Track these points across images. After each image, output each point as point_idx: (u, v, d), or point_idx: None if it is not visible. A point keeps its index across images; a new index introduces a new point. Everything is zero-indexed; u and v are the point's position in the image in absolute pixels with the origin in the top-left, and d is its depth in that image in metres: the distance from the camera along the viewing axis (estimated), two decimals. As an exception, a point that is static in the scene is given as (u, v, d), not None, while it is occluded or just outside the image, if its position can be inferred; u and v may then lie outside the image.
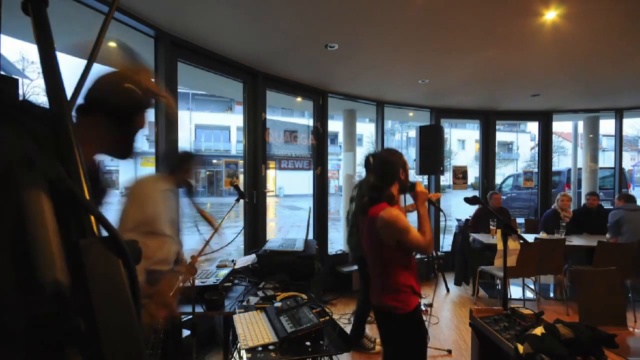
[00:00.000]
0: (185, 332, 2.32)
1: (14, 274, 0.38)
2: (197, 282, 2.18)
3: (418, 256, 4.79)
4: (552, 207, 5.20)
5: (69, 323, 0.38)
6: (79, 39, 3.08)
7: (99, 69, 0.96)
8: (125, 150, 1.02)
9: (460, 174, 6.30)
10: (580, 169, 8.25)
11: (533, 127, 26.57)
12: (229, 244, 2.03)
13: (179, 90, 3.31)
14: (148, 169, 3.16)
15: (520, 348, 1.60)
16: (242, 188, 4.28)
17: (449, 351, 3.27)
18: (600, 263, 3.92)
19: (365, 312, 3.29)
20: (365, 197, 2.00)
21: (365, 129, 21.66)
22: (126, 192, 1.96)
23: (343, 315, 4.03)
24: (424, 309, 4.17)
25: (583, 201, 7.54)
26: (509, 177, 14.21)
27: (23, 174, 0.40)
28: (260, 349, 1.51)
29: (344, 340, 1.60)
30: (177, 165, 2.12)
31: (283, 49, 3.62)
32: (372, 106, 5.80)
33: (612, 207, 6.54)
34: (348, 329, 3.61)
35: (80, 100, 0.81)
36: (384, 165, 1.98)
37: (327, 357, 1.69)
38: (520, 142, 32.52)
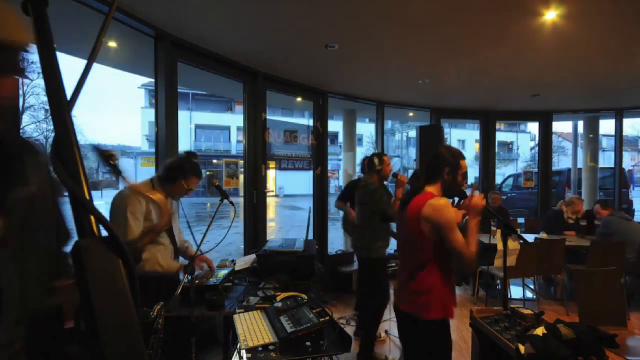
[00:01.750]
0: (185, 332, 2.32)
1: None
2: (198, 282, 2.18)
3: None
4: (555, 207, 5.19)
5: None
6: (79, 39, 3.08)
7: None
8: None
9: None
10: (580, 169, 8.25)
11: (533, 127, 26.60)
12: (217, 244, 2.01)
13: (179, 90, 3.31)
14: (148, 169, 3.14)
15: (522, 348, 1.60)
16: (242, 188, 4.30)
17: (449, 351, 3.27)
18: (593, 262, 3.93)
19: (375, 324, 3.10)
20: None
21: (365, 129, 21.70)
22: (115, 205, 1.98)
23: (343, 316, 4.03)
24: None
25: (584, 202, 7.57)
26: (509, 177, 14.20)
27: None
28: (260, 349, 1.51)
29: (344, 340, 1.60)
30: (174, 178, 2.11)
31: (283, 49, 3.62)
32: (372, 106, 5.80)
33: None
34: (348, 329, 3.61)
35: None
36: (431, 159, 1.84)
37: (327, 357, 1.69)
38: (520, 142, 32.50)
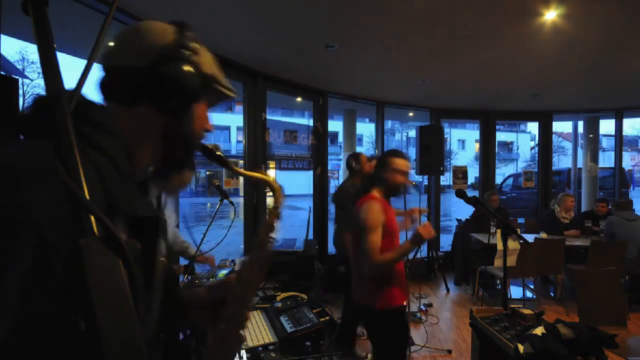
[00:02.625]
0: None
1: None
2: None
3: (411, 256, 4.78)
4: (551, 207, 5.19)
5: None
6: (79, 39, 3.08)
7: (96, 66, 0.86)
8: (179, 159, 0.69)
9: (460, 174, 6.30)
10: (580, 169, 8.25)
11: (533, 127, 26.60)
12: (217, 244, 2.02)
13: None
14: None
15: (521, 348, 1.59)
16: (242, 188, 4.30)
17: (449, 351, 3.27)
18: (594, 262, 3.93)
19: (349, 316, 3.12)
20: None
21: (365, 129, 21.70)
22: None
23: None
24: (423, 308, 4.18)
25: (583, 201, 7.57)
26: (509, 177, 14.21)
27: None
28: (260, 349, 1.51)
29: (344, 342, 1.61)
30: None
31: (283, 49, 3.62)
32: (372, 106, 5.81)
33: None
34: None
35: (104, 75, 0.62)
36: (377, 163, 2.02)
37: (327, 357, 1.69)
38: (520, 142, 32.53)
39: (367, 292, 1.91)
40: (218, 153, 0.78)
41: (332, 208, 4.81)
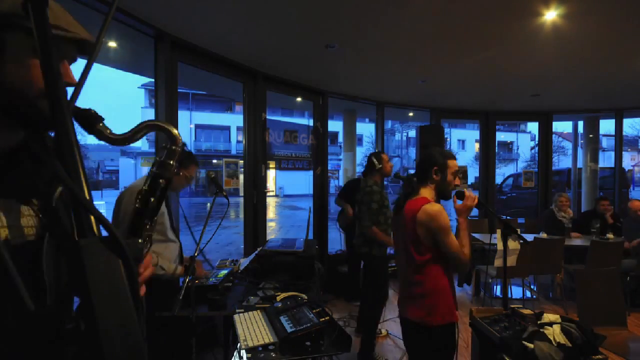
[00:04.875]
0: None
1: None
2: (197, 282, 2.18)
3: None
4: (551, 208, 5.18)
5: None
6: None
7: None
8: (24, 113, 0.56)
9: (460, 174, 6.29)
10: (580, 169, 8.25)
11: (533, 127, 26.58)
12: (207, 242, 2.00)
13: (179, 90, 3.31)
14: (148, 169, 3.14)
15: (521, 348, 1.60)
16: (242, 188, 4.30)
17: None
18: (593, 262, 3.93)
19: (374, 322, 3.12)
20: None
21: (365, 129, 21.73)
22: (122, 198, 1.99)
23: (343, 316, 4.03)
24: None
25: (584, 201, 7.57)
26: (509, 177, 14.20)
27: None
28: (260, 349, 1.51)
29: (344, 340, 1.60)
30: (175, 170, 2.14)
31: (283, 49, 3.62)
32: (372, 106, 5.80)
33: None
34: (348, 329, 3.60)
35: None
36: (420, 162, 1.84)
37: (327, 357, 1.69)
38: (520, 142, 32.52)
39: (418, 306, 1.73)
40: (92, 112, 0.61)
41: (332, 208, 4.79)
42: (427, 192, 1.78)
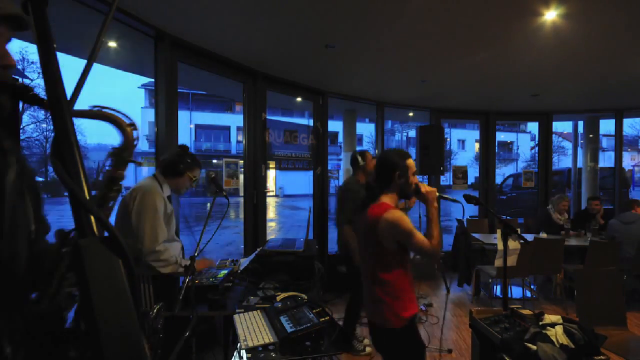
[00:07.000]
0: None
1: None
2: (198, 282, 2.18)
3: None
4: (547, 207, 5.19)
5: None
6: (79, 39, 3.08)
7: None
8: None
9: (460, 174, 6.30)
10: (580, 169, 8.25)
11: (533, 127, 26.59)
12: (207, 242, 2.01)
13: (179, 90, 3.31)
14: (148, 169, 3.16)
15: (524, 349, 1.60)
16: (242, 188, 4.30)
17: (450, 351, 3.27)
18: (592, 262, 3.93)
19: (356, 313, 3.22)
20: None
21: (365, 129, 21.72)
22: (132, 199, 2.00)
23: (343, 316, 4.02)
24: (423, 309, 4.18)
25: (584, 202, 7.57)
26: (509, 177, 14.21)
27: None
28: (260, 349, 1.51)
29: (344, 340, 1.60)
30: (179, 171, 2.20)
31: (283, 49, 3.62)
32: (372, 106, 5.80)
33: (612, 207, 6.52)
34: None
35: None
36: (378, 166, 1.82)
37: (327, 357, 1.69)
38: (520, 142, 32.54)
39: (380, 309, 1.72)
40: (31, 94, 0.61)
41: (332, 208, 4.79)
42: (387, 198, 1.76)
